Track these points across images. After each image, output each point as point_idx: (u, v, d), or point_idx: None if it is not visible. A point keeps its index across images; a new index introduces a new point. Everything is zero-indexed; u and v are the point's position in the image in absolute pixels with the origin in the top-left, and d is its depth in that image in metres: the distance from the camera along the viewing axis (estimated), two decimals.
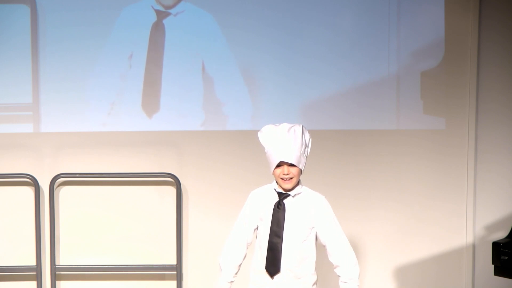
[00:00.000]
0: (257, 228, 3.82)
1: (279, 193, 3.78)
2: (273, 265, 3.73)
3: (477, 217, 5.60)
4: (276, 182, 3.78)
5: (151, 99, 5.47)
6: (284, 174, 3.70)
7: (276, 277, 3.75)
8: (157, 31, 5.43)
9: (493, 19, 5.49)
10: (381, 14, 5.48)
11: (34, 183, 5.37)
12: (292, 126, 3.71)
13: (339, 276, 3.77)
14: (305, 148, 3.73)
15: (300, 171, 3.74)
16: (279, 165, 3.70)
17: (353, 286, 3.75)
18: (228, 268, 3.87)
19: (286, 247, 3.73)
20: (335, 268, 3.79)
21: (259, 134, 3.79)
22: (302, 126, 3.74)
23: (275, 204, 3.76)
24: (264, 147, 3.77)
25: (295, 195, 3.77)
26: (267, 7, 5.43)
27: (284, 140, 3.68)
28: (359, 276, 3.78)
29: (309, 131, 3.80)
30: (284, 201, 3.76)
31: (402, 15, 5.48)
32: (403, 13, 5.48)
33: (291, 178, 3.71)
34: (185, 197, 5.50)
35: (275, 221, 3.74)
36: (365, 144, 5.54)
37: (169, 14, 5.44)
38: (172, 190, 5.48)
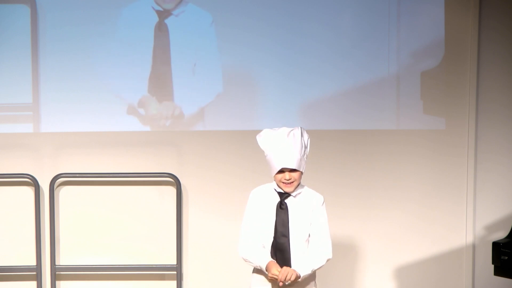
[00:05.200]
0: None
1: (280, 193, 3.78)
2: (284, 265, 3.71)
3: (477, 217, 5.60)
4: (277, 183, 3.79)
5: (151, 98, 5.47)
6: (285, 179, 3.71)
7: None
8: (160, 32, 5.43)
9: (493, 19, 5.49)
10: (381, 14, 5.48)
11: (34, 183, 5.37)
12: (291, 130, 3.71)
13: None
14: (304, 150, 3.73)
15: (301, 173, 3.75)
16: (281, 170, 3.71)
17: (320, 257, 3.73)
18: (254, 249, 3.75)
19: (293, 246, 3.73)
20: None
21: (258, 138, 3.79)
22: (301, 128, 3.74)
23: (277, 204, 3.76)
24: (263, 151, 3.77)
25: (296, 195, 3.77)
26: (268, 7, 5.43)
27: (284, 145, 3.69)
28: (326, 261, 3.76)
29: (309, 131, 3.80)
30: (286, 200, 3.76)
31: (402, 15, 5.48)
32: (403, 13, 5.48)
33: (292, 182, 3.72)
34: (185, 196, 5.50)
35: (280, 222, 3.74)
36: (365, 144, 5.54)
37: (170, 14, 5.44)
38: (172, 190, 5.48)
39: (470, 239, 5.59)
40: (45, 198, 5.44)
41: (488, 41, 5.50)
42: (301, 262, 3.72)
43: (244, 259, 3.79)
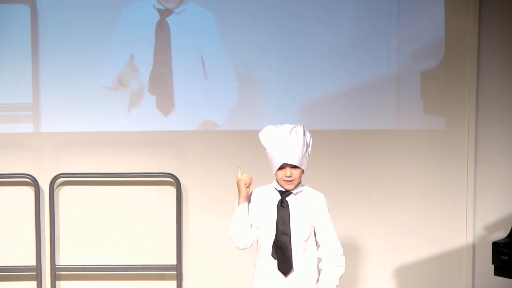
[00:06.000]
0: (257, 228, 3.81)
1: (281, 192, 3.77)
2: (285, 264, 3.71)
3: (477, 217, 5.60)
4: (277, 182, 3.78)
5: (152, 98, 5.47)
6: (286, 176, 3.70)
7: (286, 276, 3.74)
8: (161, 31, 5.43)
9: (493, 19, 5.49)
10: (381, 14, 5.48)
11: (34, 183, 5.37)
12: (294, 127, 3.71)
13: (321, 268, 3.77)
14: (306, 149, 3.73)
15: (302, 172, 3.74)
16: (282, 167, 3.70)
17: (337, 272, 3.76)
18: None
19: (294, 244, 3.72)
20: (321, 262, 3.79)
21: (260, 134, 3.79)
22: (303, 127, 3.74)
23: (278, 202, 3.75)
24: (265, 148, 3.77)
25: (297, 193, 3.77)
26: (268, 7, 5.44)
27: (286, 142, 3.68)
28: (344, 261, 3.80)
29: (309, 131, 3.80)
30: (287, 198, 3.76)
31: (402, 15, 5.48)
32: (403, 13, 5.48)
33: (293, 180, 3.72)
34: (185, 197, 5.50)
35: (280, 220, 3.73)
36: (365, 144, 5.54)
37: (171, 12, 5.44)
38: (172, 190, 5.48)
39: (470, 239, 5.59)
40: (45, 198, 5.44)
41: (488, 41, 5.50)
42: (327, 275, 3.73)
43: (230, 239, 3.78)
